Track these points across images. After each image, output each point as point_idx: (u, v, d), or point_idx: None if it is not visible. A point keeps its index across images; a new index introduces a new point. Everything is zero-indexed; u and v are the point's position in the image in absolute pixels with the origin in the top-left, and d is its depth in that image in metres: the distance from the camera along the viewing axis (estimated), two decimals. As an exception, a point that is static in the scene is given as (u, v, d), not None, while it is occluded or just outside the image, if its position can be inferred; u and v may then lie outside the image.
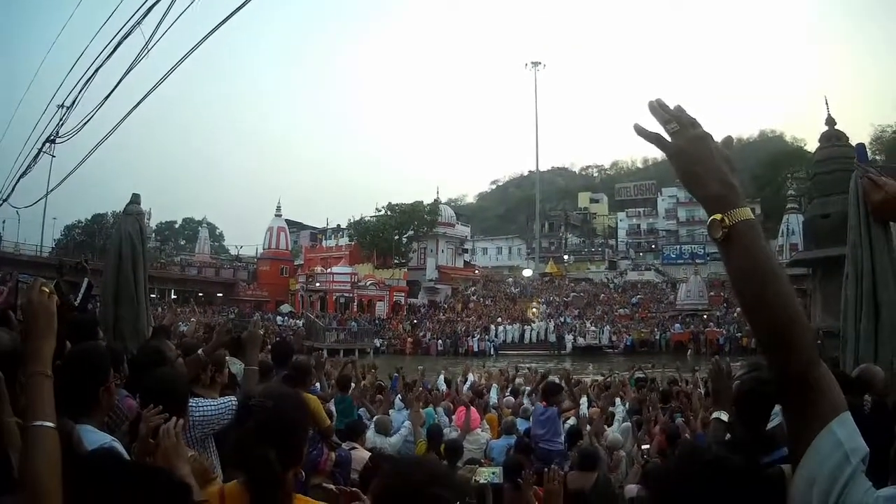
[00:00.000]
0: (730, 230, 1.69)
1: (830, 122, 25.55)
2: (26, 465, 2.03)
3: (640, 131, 1.86)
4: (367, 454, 7.44)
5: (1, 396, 2.54)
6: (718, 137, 1.85)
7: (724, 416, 3.51)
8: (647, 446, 9.08)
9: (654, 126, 1.85)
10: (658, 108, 1.85)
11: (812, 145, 45.23)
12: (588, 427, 9.84)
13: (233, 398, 4.86)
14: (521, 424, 10.21)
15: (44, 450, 2.05)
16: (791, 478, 1.66)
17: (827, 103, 25.91)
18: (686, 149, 1.80)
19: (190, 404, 4.19)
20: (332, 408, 9.08)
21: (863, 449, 1.54)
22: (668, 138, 1.83)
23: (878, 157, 68.54)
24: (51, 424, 2.11)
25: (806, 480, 1.56)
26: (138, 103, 10.98)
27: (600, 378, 18.54)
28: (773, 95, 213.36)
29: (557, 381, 11.63)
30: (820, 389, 1.62)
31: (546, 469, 5.26)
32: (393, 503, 2.24)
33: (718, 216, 1.70)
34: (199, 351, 5.60)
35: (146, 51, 9.84)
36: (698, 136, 1.81)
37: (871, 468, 1.57)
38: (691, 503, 1.62)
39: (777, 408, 4.38)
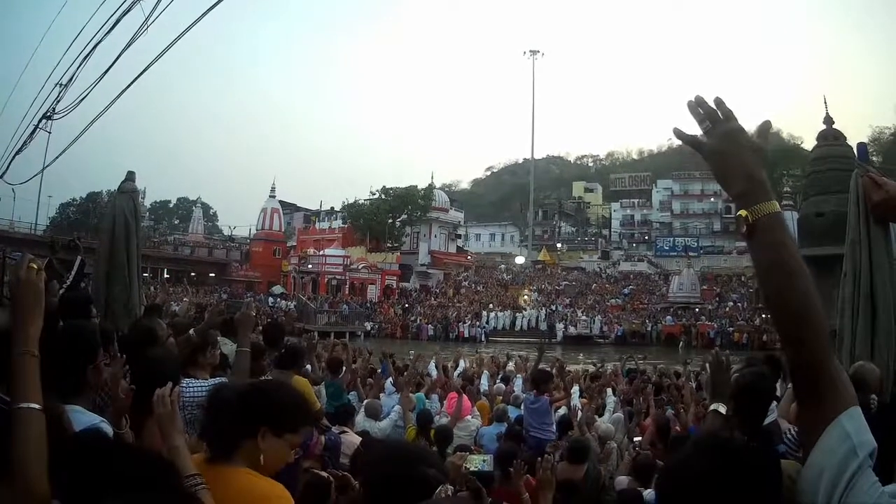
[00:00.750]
0: (752, 226, 1.74)
1: (828, 120, 25.55)
2: (12, 449, 1.98)
3: (679, 135, 1.91)
4: (358, 439, 7.41)
5: None
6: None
7: (722, 409, 3.48)
8: (639, 438, 9.07)
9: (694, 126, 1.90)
10: (695, 108, 1.89)
11: (809, 143, 45.37)
12: (578, 416, 9.83)
13: (224, 379, 4.82)
14: (512, 412, 10.19)
15: (30, 433, 2.02)
16: (786, 474, 1.74)
17: (825, 102, 25.91)
18: (716, 148, 1.85)
19: (181, 384, 4.16)
20: (323, 391, 9.06)
21: (870, 443, 1.59)
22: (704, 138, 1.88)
23: (875, 159, 68.65)
24: (37, 406, 2.08)
25: (815, 470, 1.61)
26: (135, 79, 10.89)
27: (591, 368, 18.56)
28: (770, 92, 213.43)
29: (549, 369, 11.61)
30: (831, 384, 1.68)
31: (539, 458, 5.24)
32: (383, 485, 2.22)
33: (743, 213, 1.75)
34: (191, 331, 5.57)
35: (145, 27, 9.76)
36: (729, 132, 1.85)
37: (875, 467, 1.59)
38: (713, 489, 1.59)
39: (774, 404, 4.36)
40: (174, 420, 2.77)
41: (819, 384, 1.68)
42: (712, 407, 3.57)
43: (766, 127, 1.94)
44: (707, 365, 7.04)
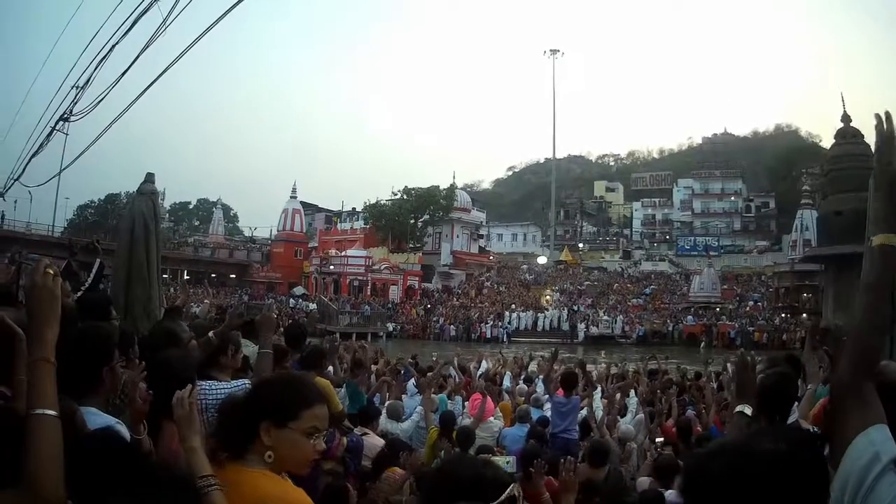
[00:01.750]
0: (873, 250, 2.03)
1: (846, 118, 25.45)
2: (27, 455, 1.97)
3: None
4: (380, 441, 7.39)
5: (19, 356, 2.49)
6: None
7: (748, 410, 3.46)
8: (661, 439, 9.02)
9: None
10: (880, 127, 2.14)
11: (827, 141, 45.18)
12: (598, 417, 9.78)
13: (245, 381, 4.82)
14: (534, 413, 10.15)
15: (45, 439, 2.00)
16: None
17: (843, 100, 25.82)
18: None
19: (203, 387, 4.16)
20: (344, 392, 9.05)
21: (893, 451, 1.71)
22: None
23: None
24: (53, 413, 2.05)
25: (842, 477, 1.75)
26: (154, 81, 10.87)
27: (614, 369, 18.47)
28: (789, 89, 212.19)
29: (575, 370, 11.57)
30: (864, 401, 1.86)
31: (562, 459, 5.20)
32: (450, 489, 2.18)
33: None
34: (210, 333, 5.57)
35: (163, 28, 9.77)
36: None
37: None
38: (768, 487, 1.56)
39: (794, 405, 4.35)
40: (192, 422, 2.74)
41: (852, 399, 1.88)
42: (738, 408, 3.55)
43: None
44: (729, 365, 7.02)
